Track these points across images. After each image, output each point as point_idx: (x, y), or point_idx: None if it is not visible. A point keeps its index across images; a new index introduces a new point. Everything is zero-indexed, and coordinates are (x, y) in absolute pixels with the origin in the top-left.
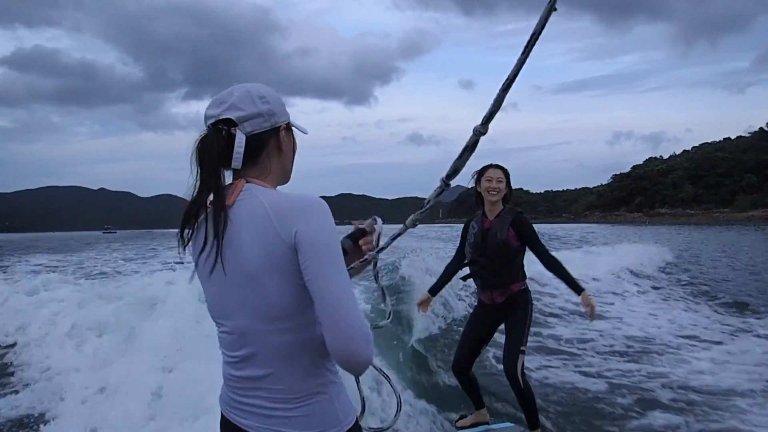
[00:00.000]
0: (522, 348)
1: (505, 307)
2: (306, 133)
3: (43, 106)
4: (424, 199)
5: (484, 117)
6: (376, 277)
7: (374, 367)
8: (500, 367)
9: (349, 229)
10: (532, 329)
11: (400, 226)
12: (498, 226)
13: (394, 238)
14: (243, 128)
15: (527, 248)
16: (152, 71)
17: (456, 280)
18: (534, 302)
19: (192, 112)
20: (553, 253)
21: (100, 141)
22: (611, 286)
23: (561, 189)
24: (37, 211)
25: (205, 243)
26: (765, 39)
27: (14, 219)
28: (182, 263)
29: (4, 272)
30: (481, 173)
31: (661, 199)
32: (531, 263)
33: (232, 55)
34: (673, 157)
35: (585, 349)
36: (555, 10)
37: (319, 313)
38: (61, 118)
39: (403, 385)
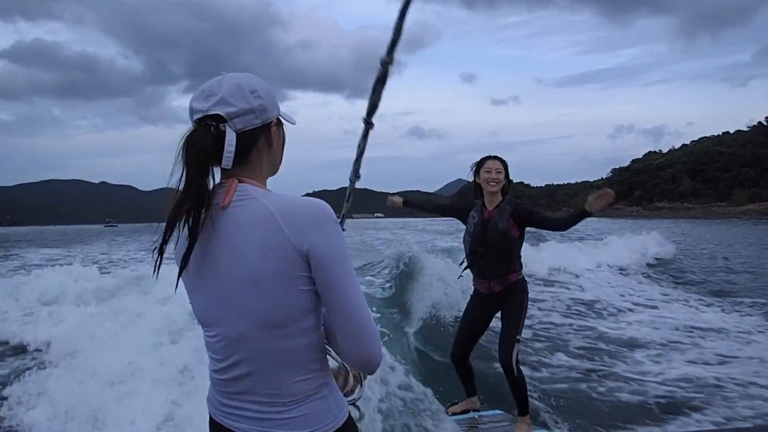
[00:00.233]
0: (518, 337)
1: (501, 296)
2: (294, 123)
3: (44, 99)
4: (427, 192)
5: (388, 47)
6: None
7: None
8: (494, 354)
9: (350, 222)
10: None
11: (403, 219)
12: (498, 217)
13: (348, 199)
14: (233, 125)
15: (536, 228)
16: (153, 64)
17: (453, 276)
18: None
19: None
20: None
21: (101, 134)
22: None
23: (562, 183)
24: (38, 205)
25: (192, 245)
26: (766, 32)
27: (15, 213)
28: None
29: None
30: (479, 165)
31: (659, 193)
32: (530, 261)
33: (233, 48)
34: (672, 151)
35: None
36: None
37: (337, 320)
38: (62, 111)
39: (405, 371)
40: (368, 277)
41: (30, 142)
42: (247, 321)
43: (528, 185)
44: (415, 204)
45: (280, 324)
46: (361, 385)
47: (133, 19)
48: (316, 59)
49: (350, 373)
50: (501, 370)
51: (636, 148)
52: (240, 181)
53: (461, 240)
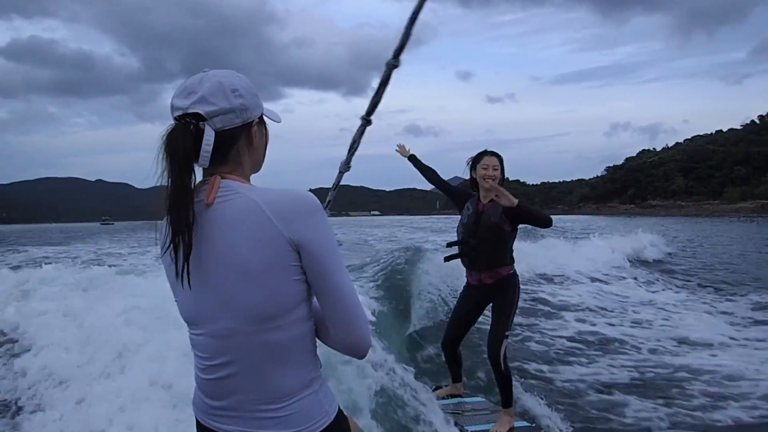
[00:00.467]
0: (507, 333)
1: (493, 289)
2: (279, 122)
3: (40, 96)
4: (424, 190)
5: (395, 50)
6: None
7: None
8: (483, 346)
9: (347, 220)
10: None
11: (399, 217)
12: (492, 210)
13: (335, 188)
14: (212, 124)
15: (523, 223)
16: (149, 62)
17: (447, 272)
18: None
19: None
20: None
21: (97, 132)
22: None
23: (558, 180)
24: (34, 203)
25: (177, 244)
26: (761, 30)
27: (11, 210)
28: None
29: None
30: (476, 160)
31: (653, 190)
32: (528, 255)
33: (229, 46)
34: (665, 149)
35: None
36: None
37: (328, 308)
38: (58, 109)
39: (397, 359)
40: (363, 274)
41: (26, 139)
42: (238, 315)
43: (524, 183)
44: (421, 166)
45: (272, 316)
46: None
47: (129, 17)
48: (312, 57)
49: None
50: (486, 360)
51: (632, 146)
52: (223, 178)
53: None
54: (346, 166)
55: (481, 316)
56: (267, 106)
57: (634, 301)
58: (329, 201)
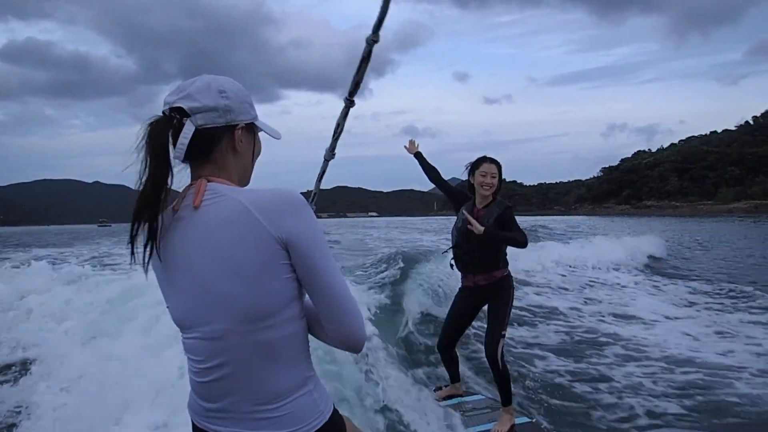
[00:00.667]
0: (503, 333)
1: (487, 291)
2: (278, 138)
3: (37, 98)
4: (422, 191)
5: (374, 26)
6: None
7: None
8: (480, 346)
9: (344, 221)
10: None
11: (397, 218)
12: (485, 216)
13: (320, 178)
14: (194, 120)
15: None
16: (146, 63)
17: (444, 274)
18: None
19: None
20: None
21: (94, 134)
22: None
23: (555, 181)
24: (31, 205)
25: (165, 247)
26: (757, 31)
27: (8, 213)
28: None
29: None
30: (475, 166)
31: (648, 191)
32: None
33: (226, 47)
34: (660, 150)
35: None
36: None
37: (320, 303)
38: (55, 110)
39: (397, 359)
40: (360, 274)
41: (23, 141)
42: (230, 316)
43: (521, 184)
44: (425, 164)
45: (265, 315)
46: None
47: (126, 18)
48: (309, 58)
49: None
50: (484, 358)
51: (629, 147)
52: (209, 181)
53: (450, 234)
54: (330, 153)
55: (476, 316)
56: (264, 108)
57: (596, 281)
58: (315, 194)
